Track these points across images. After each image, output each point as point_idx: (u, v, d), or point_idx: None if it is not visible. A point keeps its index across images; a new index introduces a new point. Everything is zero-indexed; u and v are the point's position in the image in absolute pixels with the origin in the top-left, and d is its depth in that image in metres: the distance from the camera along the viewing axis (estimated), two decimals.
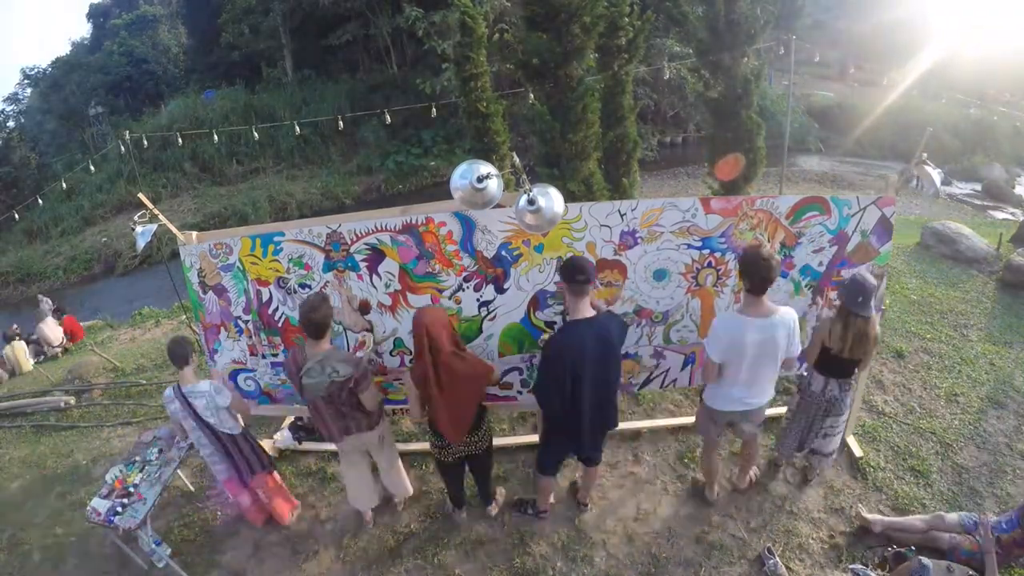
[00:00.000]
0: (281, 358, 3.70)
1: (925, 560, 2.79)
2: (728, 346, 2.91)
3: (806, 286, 3.45)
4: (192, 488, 4.26)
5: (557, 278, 3.29)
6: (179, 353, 3.29)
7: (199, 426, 3.34)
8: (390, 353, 3.58)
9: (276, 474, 3.80)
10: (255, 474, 3.59)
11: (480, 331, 3.43)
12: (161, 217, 3.51)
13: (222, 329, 3.77)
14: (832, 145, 19.87)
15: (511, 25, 14.81)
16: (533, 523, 3.65)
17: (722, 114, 9.15)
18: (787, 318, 2.88)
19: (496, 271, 3.29)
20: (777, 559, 3.25)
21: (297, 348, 3.21)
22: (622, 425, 4.25)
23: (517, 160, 2.64)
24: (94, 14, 34.58)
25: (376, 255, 3.31)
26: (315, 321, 2.97)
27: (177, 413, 3.34)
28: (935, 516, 3.25)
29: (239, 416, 3.48)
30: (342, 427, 3.24)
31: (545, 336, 3.41)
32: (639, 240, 3.24)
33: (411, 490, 3.82)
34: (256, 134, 18.17)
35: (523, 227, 2.95)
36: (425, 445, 3.90)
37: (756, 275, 2.75)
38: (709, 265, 3.32)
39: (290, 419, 4.62)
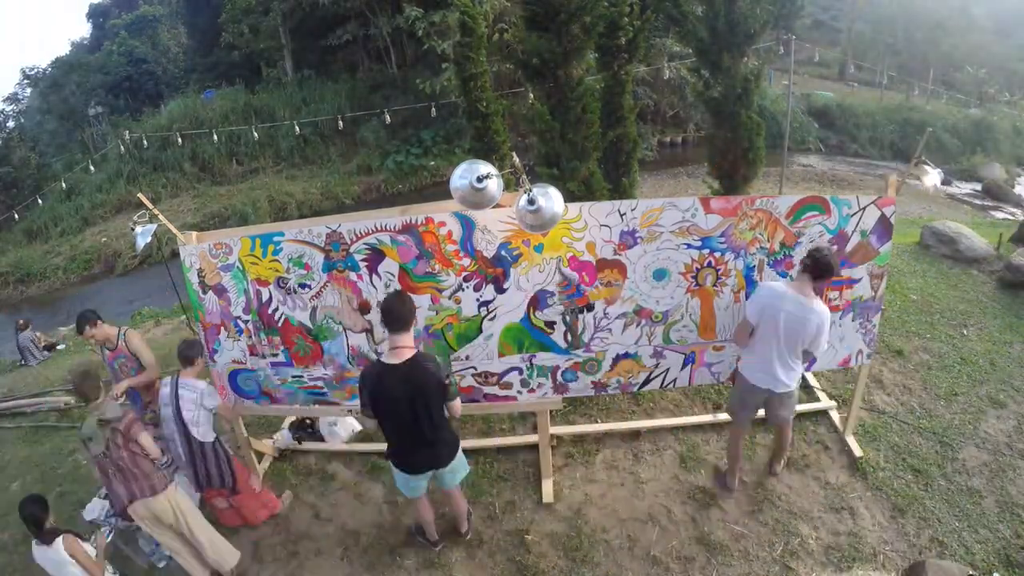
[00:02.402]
0: (281, 358, 3.70)
1: None
2: (764, 308, 3.08)
3: None
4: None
5: (556, 278, 3.30)
6: (185, 354, 3.47)
7: (175, 420, 3.40)
8: None
9: (240, 496, 3.68)
10: (211, 488, 3.57)
11: (480, 331, 3.43)
12: (161, 217, 3.52)
13: (222, 329, 3.76)
14: (832, 145, 19.88)
15: (511, 25, 14.80)
16: (533, 523, 3.65)
17: (722, 114, 9.13)
18: (823, 313, 3.04)
19: (496, 271, 3.29)
20: None
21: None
22: (622, 425, 4.26)
23: (517, 160, 2.65)
24: (94, 14, 34.60)
25: (376, 255, 3.31)
26: None
27: (163, 399, 3.44)
28: None
29: (213, 427, 3.53)
30: (127, 491, 3.14)
31: (545, 334, 3.43)
32: (639, 240, 3.24)
33: (237, 556, 3.49)
34: (256, 134, 18.23)
35: (523, 227, 2.95)
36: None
37: (820, 258, 2.94)
38: (709, 265, 3.32)
39: (290, 419, 4.62)
